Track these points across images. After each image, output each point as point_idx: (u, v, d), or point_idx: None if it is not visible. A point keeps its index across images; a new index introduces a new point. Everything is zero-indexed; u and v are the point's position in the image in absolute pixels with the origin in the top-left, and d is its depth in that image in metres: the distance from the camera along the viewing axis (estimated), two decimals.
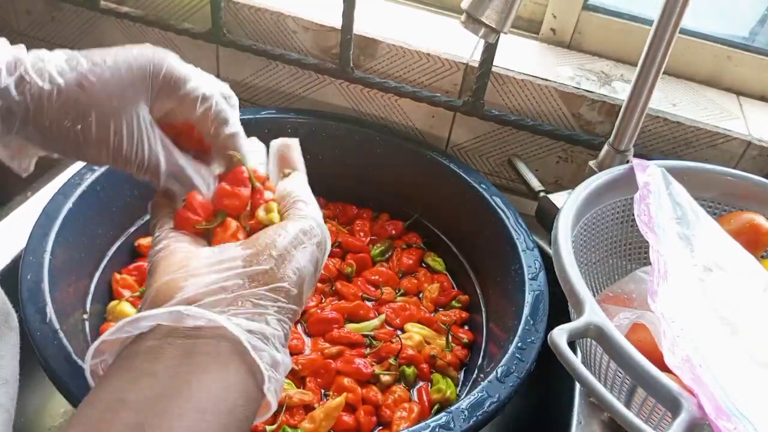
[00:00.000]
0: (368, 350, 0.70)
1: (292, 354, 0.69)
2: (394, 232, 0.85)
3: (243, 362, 0.33)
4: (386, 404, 0.66)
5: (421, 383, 0.69)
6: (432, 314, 0.77)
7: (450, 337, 0.74)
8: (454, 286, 0.82)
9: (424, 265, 0.84)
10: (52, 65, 0.37)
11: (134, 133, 0.38)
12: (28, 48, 0.39)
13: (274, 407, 0.35)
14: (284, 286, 0.36)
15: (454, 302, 0.79)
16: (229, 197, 0.42)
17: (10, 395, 0.37)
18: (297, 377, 0.67)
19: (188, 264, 0.36)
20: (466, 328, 0.77)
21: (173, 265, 0.36)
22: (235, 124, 0.43)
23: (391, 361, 0.69)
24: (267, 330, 0.34)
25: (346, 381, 0.66)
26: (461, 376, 0.72)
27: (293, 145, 0.47)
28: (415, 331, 0.73)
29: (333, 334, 0.71)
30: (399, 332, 0.74)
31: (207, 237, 0.42)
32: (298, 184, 0.43)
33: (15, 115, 0.36)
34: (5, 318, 0.40)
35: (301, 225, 0.39)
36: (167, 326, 0.32)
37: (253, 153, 0.47)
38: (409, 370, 0.69)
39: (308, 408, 0.64)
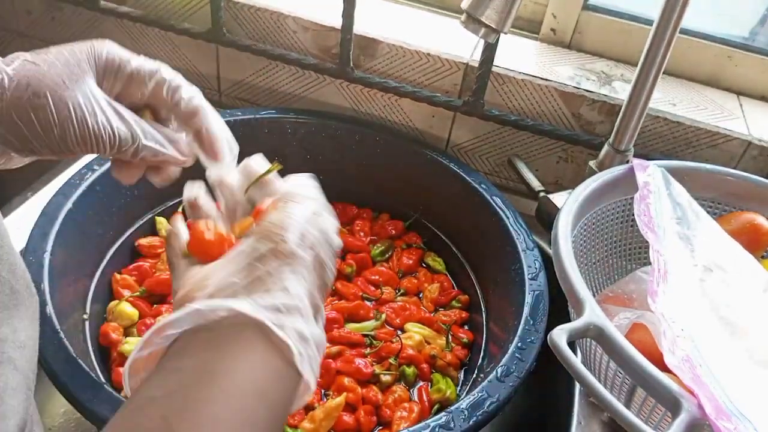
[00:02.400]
0: (368, 350, 0.70)
1: None
2: (394, 232, 0.85)
3: (268, 341, 0.33)
4: (386, 404, 0.66)
5: (421, 383, 0.69)
6: (432, 314, 0.77)
7: (450, 337, 0.74)
8: (454, 286, 0.82)
9: (424, 265, 0.84)
10: None
11: (94, 107, 0.39)
12: (29, 48, 0.40)
13: (312, 385, 0.34)
14: (295, 253, 0.36)
15: (454, 302, 0.79)
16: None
17: (27, 358, 0.38)
18: None
19: (206, 271, 0.37)
20: (466, 328, 0.77)
21: (188, 278, 0.37)
22: (189, 88, 0.44)
23: (391, 360, 0.69)
24: (289, 302, 0.34)
25: (347, 381, 0.66)
26: (461, 376, 0.72)
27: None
28: (415, 331, 0.73)
29: (333, 333, 0.71)
30: (399, 332, 0.74)
31: None
32: (295, 182, 0.43)
33: None
34: (27, 284, 0.40)
35: (292, 203, 0.39)
36: (192, 328, 0.33)
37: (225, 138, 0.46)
38: (409, 370, 0.69)
39: (308, 408, 0.64)
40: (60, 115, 0.38)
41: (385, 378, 0.68)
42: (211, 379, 0.30)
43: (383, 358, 0.70)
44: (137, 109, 0.43)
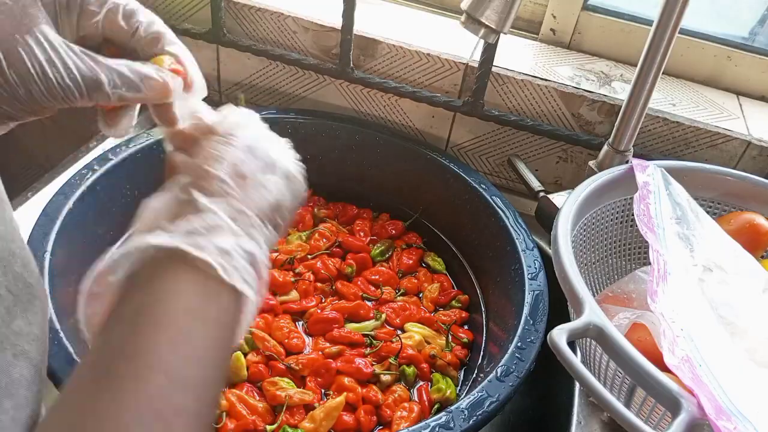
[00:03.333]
0: (368, 350, 0.70)
1: (292, 353, 0.69)
2: (394, 232, 0.85)
3: (192, 266, 0.33)
4: (386, 404, 0.66)
5: (421, 383, 0.69)
6: (432, 314, 0.77)
7: (450, 336, 0.74)
8: (454, 286, 0.82)
9: (424, 265, 0.84)
10: None
11: (51, 54, 0.35)
12: None
13: (250, 295, 0.35)
14: (219, 178, 0.36)
15: (454, 302, 0.79)
16: None
17: (40, 351, 0.38)
18: (297, 377, 0.67)
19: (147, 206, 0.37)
20: (466, 327, 0.77)
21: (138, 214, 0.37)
22: (146, 12, 0.41)
23: (391, 360, 0.69)
24: (208, 222, 0.34)
25: (347, 380, 0.66)
26: (461, 375, 0.72)
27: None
28: (415, 331, 0.73)
29: (333, 333, 0.71)
30: (399, 332, 0.74)
31: None
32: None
33: None
34: (37, 278, 0.40)
35: (213, 116, 0.39)
36: (128, 273, 0.34)
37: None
38: (409, 370, 0.69)
39: (308, 407, 0.64)
40: (16, 70, 0.34)
41: (385, 378, 0.68)
42: (147, 320, 0.31)
43: (383, 357, 0.70)
44: (98, 48, 0.39)
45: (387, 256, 0.83)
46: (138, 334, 0.31)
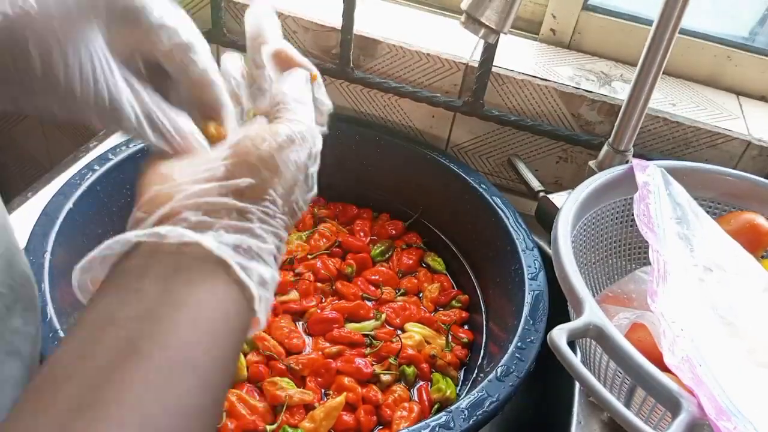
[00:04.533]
0: (368, 350, 0.70)
1: (292, 353, 0.69)
2: (394, 232, 0.85)
3: (230, 276, 0.32)
4: (386, 404, 0.66)
5: (421, 383, 0.69)
6: (432, 314, 0.77)
7: (450, 336, 0.74)
8: (454, 286, 0.82)
9: (424, 265, 0.84)
10: None
11: (88, 69, 0.33)
12: None
13: (263, 325, 0.34)
14: (270, 196, 0.34)
15: (454, 302, 0.79)
16: None
17: (31, 351, 0.37)
18: (297, 377, 0.67)
19: (171, 174, 0.34)
20: (466, 327, 0.77)
21: (157, 177, 0.34)
22: (202, 50, 0.38)
23: (391, 360, 0.69)
24: (253, 243, 0.33)
25: (347, 380, 0.66)
26: (461, 375, 0.72)
27: (287, 47, 0.42)
28: (416, 331, 0.73)
29: (333, 333, 0.71)
30: (399, 332, 0.74)
31: None
32: (294, 83, 0.40)
33: None
34: (31, 277, 0.40)
35: (289, 129, 0.36)
36: (151, 244, 0.31)
37: (229, 74, 0.42)
38: (409, 370, 0.69)
39: (309, 407, 0.64)
40: (45, 72, 0.32)
41: (385, 378, 0.68)
42: (176, 303, 0.29)
43: (383, 357, 0.70)
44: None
45: (387, 256, 0.83)
46: (167, 315, 0.29)
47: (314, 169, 0.38)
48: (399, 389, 0.67)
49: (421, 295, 0.80)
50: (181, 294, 0.30)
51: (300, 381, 0.67)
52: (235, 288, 0.32)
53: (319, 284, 0.77)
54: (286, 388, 0.64)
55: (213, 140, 0.38)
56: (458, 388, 0.70)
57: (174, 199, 0.32)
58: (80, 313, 0.30)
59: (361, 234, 0.85)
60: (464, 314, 0.78)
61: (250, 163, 0.33)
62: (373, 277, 0.79)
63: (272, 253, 0.34)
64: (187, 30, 0.36)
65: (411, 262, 0.82)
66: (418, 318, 0.75)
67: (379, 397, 0.66)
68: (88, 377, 0.26)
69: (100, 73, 0.33)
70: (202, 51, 0.38)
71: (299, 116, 0.37)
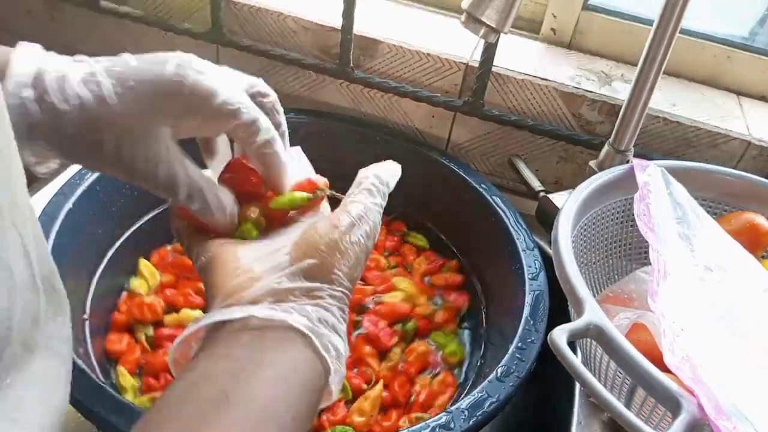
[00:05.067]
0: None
1: None
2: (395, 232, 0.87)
3: (309, 346, 0.35)
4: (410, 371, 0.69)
5: (420, 342, 0.72)
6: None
7: (441, 298, 0.77)
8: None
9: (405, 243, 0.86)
10: (74, 84, 0.36)
11: (153, 155, 0.38)
12: None
13: (335, 397, 0.38)
14: (337, 276, 0.38)
15: (444, 270, 0.81)
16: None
17: (68, 352, 0.38)
18: None
19: (239, 265, 0.38)
20: (465, 325, 0.77)
21: (229, 271, 0.38)
22: (269, 130, 0.42)
23: (397, 328, 0.72)
24: (329, 318, 0.37)
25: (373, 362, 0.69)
26: (466, 340, 0.75)
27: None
28: (403, 288, 0.76)
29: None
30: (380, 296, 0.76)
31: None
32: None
33: (35, 128, 0.36)
34: (60, 282, 0.41)
35: (350, 216, 0.40)
36: (239, 322, 0.35)
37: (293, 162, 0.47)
38: (409, 325, 0.72)
39: (347, 401, 0.66)
40: (117, 156, 0.37)
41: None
42: (264, 364, 0.33)
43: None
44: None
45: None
46: (253, 373, 0.33)
47: (372, 243, 0.42)
48: (419, 346, 0.71)
49: (409, 269, 0.82)
50: (267, 357, 0.34)
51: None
52: (313, 357, 0.36)
53: None
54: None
55: (251, 222, 0.42)
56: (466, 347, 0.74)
57: (256, 287, 0.37)
58: (177, 375, 0.35)
59: None
60: (458, 278, 0.79)
61: (317, 248, 0.38)
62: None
63: (341, 328, 0.38)
64: (250, 108, 0.41)
65: (393, 243, 0.84)
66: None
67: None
68: (186, 421, 0.30)
69: (164, 157, 0.38)
70: (269, 130, 0.42)
71: (358, 197, 0.43)
